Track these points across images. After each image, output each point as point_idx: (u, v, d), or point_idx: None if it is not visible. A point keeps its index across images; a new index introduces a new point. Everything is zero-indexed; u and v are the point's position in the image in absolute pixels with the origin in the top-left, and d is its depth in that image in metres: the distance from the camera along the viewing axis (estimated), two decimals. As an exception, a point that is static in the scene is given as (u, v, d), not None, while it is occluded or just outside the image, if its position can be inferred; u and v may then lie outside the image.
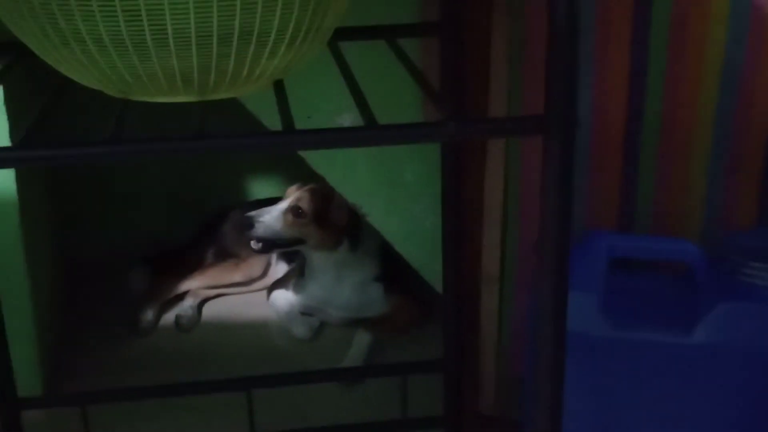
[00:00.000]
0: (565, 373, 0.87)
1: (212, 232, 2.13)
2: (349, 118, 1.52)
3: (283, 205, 1.89)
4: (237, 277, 2.08)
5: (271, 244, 1.91)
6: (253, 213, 1.88)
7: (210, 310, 2.05)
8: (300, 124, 0.82)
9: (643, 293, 1.28)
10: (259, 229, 1.87)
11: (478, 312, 1.45)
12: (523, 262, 1.43)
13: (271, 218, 1.87)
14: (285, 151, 2.04)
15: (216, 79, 0.83)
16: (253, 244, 1.91)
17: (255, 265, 2.08)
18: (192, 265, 2.09)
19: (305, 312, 2.00)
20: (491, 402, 1.51)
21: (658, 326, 1.21)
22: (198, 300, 2.05)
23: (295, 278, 2.03)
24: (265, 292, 2.08)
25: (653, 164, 1.35)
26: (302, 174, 1.91)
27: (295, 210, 1.88)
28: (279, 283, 2.07)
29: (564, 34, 0.76)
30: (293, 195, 1.91)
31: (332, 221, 1.89)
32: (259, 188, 2.30)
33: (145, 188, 2.26)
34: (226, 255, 2.09)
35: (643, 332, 1.21)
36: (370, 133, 0.82)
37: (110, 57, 0.79)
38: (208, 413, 1.63)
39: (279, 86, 0.92)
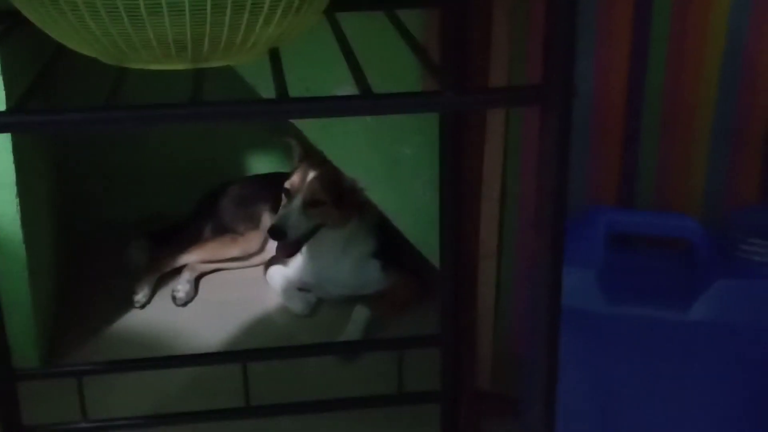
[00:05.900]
0: (560, 349, 0.86)
1: (211, 207, 2.13)
2: (348, 90, 1.50)
3: (297, 202, 1.87)
4: (234, 252, 2.07)
5: (298, 244, 1.90)
6: (276, 222, 1.86)
7: (207, 285, 2.05)
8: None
9: (642, 269, 1.27)
10: (292, 235, 1.86)
11: (476, 287, 1.45)
12: (521, 237, 1.42)
13: (296, 220, 1.86)
14: (278, 119, 2.01)
15: (210, 47, 0.82)
16: (279, 252, 1.91)
17: (252, 240, 2.07)
18: (190, 240, 2.08)
19: (302, 288, 1.99)
20: (488, 378, 1.50)
21: (656, 303, 1.21)
22: (195, 274, 2.04)
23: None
24: (262, 268, 2.08)
25: (655, 139, 1.34)
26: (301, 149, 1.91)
27: (313, 202, 1.87)
28: (276, 259, 2.06)
29: (563, 2, 0.75)
30: (304, 189, 1.88)
31: (347, 200, 1.89)
32: (258, 164, 2.28)
33: (145, 163, 2.25)
34: (224, 230, 2.09)
35: (641, 308, 1.21)
36: (366, 102, 0.81)
37: (104, 24, 0.79)
38: (203, 387, 1.63)
39: (275, 55, 0.91)
